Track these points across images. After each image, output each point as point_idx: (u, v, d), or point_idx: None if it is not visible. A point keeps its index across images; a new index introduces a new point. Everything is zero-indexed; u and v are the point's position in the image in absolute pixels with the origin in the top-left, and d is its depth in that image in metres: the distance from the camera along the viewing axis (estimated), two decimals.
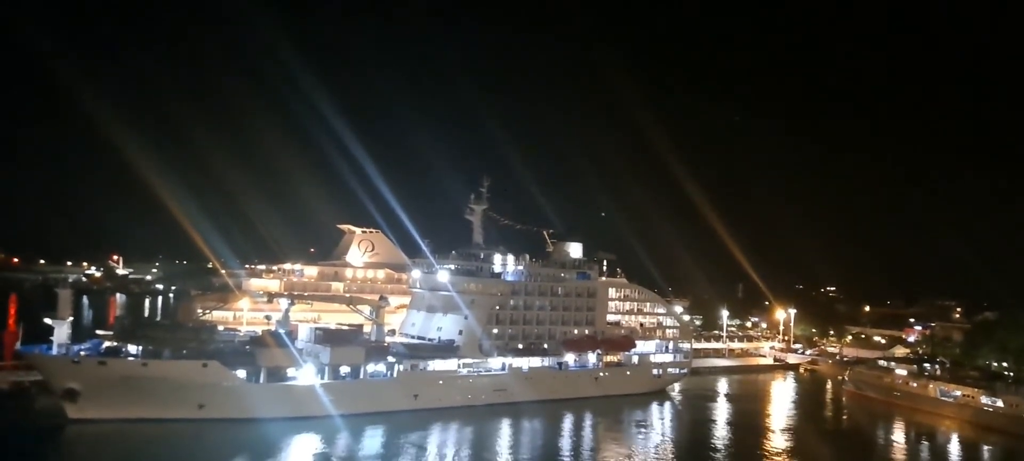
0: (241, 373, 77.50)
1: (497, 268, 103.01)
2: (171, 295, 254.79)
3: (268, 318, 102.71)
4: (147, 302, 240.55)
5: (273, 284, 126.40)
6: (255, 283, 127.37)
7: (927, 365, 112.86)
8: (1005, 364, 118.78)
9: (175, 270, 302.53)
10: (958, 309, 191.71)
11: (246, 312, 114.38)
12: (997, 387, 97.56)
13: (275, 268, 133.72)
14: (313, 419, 77.16)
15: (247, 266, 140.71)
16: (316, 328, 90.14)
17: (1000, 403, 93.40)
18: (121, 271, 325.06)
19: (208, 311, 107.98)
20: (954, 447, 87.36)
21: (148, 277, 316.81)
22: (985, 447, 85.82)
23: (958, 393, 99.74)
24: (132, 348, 77.42)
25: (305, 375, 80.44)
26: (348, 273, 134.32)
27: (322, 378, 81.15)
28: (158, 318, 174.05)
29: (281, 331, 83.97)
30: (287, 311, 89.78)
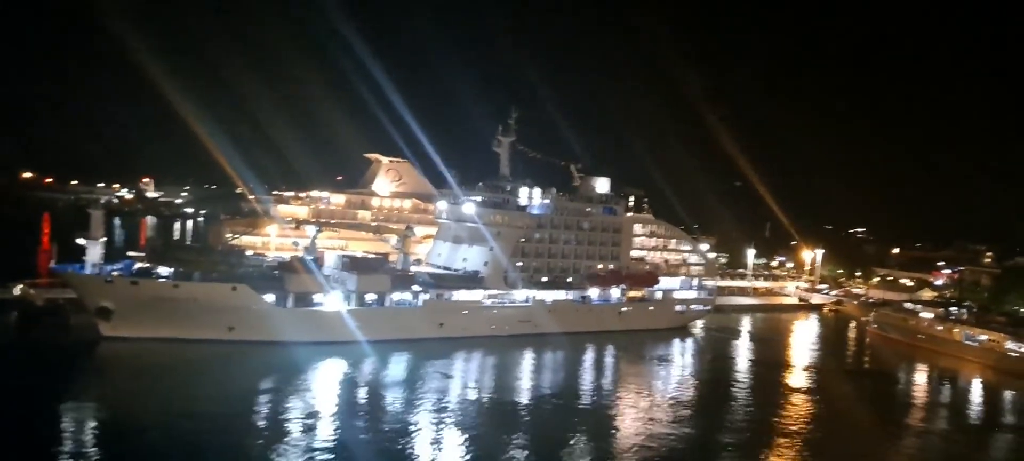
0: (269, 297, 78.74)
1: (523, 201, 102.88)
2: (200, 219, 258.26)
3: (296, 244, 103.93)
4: (177, 225, 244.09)
5: (301, 211, 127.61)
6: (283, 209, 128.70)
7: (953, 309, 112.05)
8: None
9: (205, 194, 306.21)
10: (989, 254, 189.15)
11: (274, 238, 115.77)
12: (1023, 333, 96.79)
13: (302, 195, 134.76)
14: (339, 344, 78.61)
15: (275, 192, 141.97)
16: (343, 256, 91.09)
17: None
18: (151, 194, 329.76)
19: (237, 236, 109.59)
20: (976, 390, 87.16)
21: (178, 200, 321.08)
22: (1008, 392, 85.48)
23: (983, 337, 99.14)
24: (163, 269, 78.89)
25: (332, 301, 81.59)
26: (375, 202, 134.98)
27: (349, 304, 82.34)
28: (188, 241, 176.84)
29: (309, 257, 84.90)
30: (314, 238, 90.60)
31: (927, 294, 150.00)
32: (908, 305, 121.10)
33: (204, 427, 52.91)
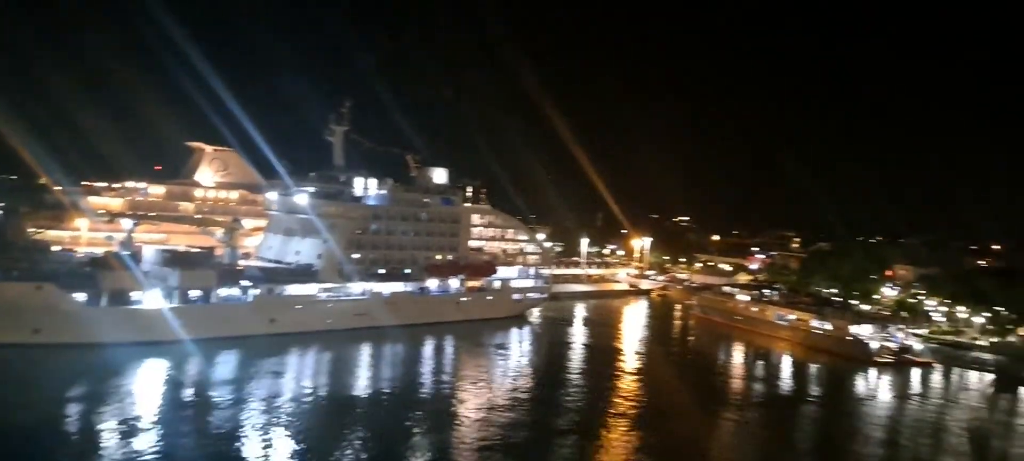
0: (80, 296, 72.54)
1: (358, 191, 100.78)
2: None
3: (110, 239, 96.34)
4: None
5: (115, 203, 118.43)
6: (94, 201, 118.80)
7: (766, 291, 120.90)
8: (834, 290, 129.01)
9: (1, 186, 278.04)
10: (796, 240, 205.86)
11: (85, 232, 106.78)
12: (826, 312, 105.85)
13: (116, 186, 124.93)
14: (161, 344, 73.54)
15: (84, 183, 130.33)
16: (163, 250, 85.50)
17: (828, 326, 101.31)
18: None
19: (41, 230, 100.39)
20: (786, 365, 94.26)
21: None
22: (813, 365, 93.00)
23: (792, 317, 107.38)
24: None
25: (151, 299, 76.24)
26: (198, 193, 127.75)
27: (170, 302, 77.27)
28: None
29: (124, 253, 79.07)
30: (131, 232, 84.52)
31: (743, 278, 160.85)
32: (726, 289, 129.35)
33: (6, 440, 47.66)
